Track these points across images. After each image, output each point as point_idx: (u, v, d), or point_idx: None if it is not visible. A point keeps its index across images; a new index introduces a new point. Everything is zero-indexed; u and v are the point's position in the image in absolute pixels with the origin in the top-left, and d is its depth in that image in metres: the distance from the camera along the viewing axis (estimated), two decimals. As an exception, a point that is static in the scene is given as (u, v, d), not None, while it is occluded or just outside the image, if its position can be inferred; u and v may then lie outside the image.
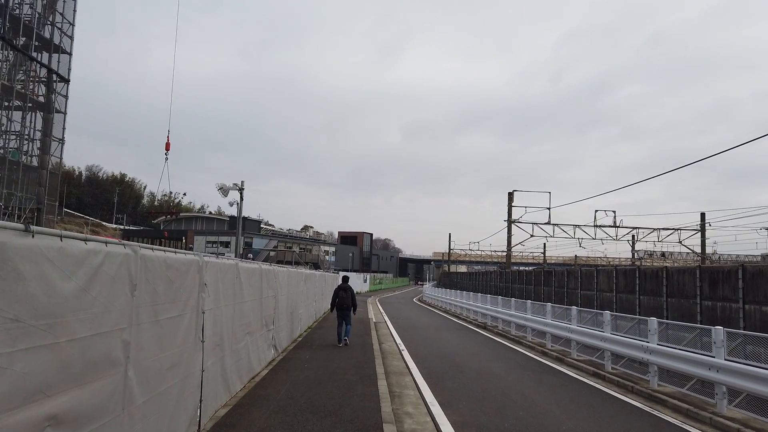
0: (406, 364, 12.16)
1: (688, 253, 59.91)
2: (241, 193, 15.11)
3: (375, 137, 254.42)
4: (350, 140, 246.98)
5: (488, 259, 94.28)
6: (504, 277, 38.16)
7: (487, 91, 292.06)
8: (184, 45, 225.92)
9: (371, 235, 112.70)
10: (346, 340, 14.15)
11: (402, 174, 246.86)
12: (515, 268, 57.26)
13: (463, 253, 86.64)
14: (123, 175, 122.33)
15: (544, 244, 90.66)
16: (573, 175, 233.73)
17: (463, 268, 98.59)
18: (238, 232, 14.85)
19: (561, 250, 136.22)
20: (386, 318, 26.20)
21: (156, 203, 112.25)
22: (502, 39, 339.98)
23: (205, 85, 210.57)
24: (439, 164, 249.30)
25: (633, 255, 54.67)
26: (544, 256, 75.20)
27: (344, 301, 14.30)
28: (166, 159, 22.89)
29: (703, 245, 45.05)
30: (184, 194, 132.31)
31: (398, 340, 16.81)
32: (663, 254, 66.56)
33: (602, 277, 21.94)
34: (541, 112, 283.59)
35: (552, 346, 15.85)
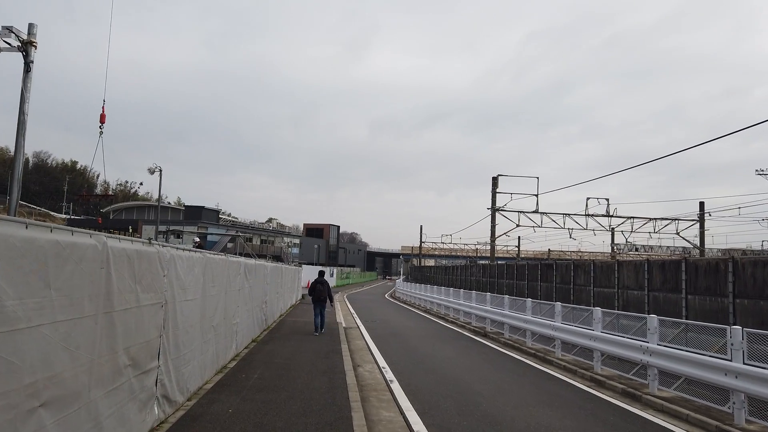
0: (406, 420, 7.07)
1: (668, 247, 56.41)
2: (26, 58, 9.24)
3: (341, 132, 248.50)
4: (316, 134, 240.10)
5: (461, 253, 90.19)
6: (488, 271, 33.42)
7: (451, 88, 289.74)
8: (146, 35, 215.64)
9: (338, 227, 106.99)
10: (321, 331, 15.16)
11: (368, 168, 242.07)
12: (482, 262, 52.76)
13: (433, 246, 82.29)
14: (74, 163, 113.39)
15: (519, 237, 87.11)
16: (535, 171, 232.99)
17: (431, 262, 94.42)
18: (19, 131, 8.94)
19: (534, 244, 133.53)
20: (359, 321, 21.06)
21: (111, 192, 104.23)
22: (466, 38, 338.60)
23: (168, 75, 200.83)
24: (405, 159, 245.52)
25: (612, 249, 50.85)
26: (519, 249, 71.57)
27: (321, 293, 15.34)
28: (101, 133, 18.18)
29: (701, 236, 41.37)
30: (141, 183, 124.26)
31: (381, 361, 11.70)
32: (636, 248, 62.84)
33: (627, 272, 17.33)
34: (503, 110, 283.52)
35: (602, 368, 11.04)
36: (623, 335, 10.51)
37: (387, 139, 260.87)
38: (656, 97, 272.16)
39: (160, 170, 25.53)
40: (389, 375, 10.08)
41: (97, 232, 4.25)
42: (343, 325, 18.66)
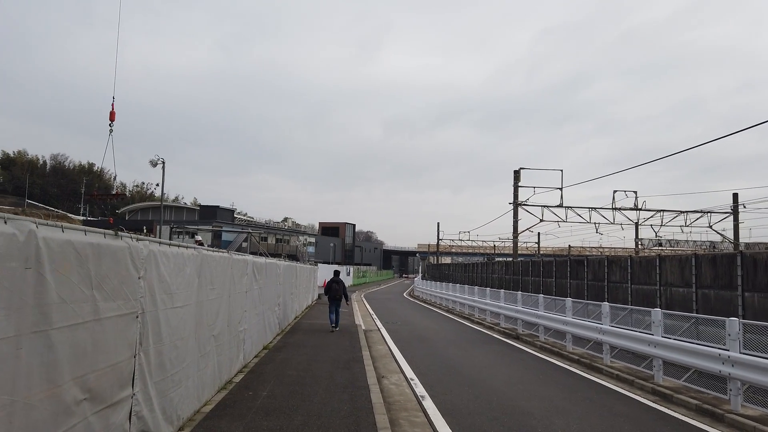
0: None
1: (695, 241, 54.17)
2: None
3: (355, 131, 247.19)
4: (330, 135, 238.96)
5: (478, 250, 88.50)
6: (511, 268, 31.88)
7: (464, 86, 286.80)
8: (163, 39, 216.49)
9: (354, 226, 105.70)
10: (336, 327, 15.51)
11: (382, 167, 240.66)
12: (500, 259, 50.87)
13: (450, 244, 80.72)
14: (91, 165, 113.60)
15: (539, 233, 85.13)
16: (550, 168, 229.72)
17: (447, 260, 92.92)
18: None
19: (554, 240, 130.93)
20: (379, 323, 19.72)
21: (128, 194, 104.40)
22: (478, 36, 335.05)
23: (184, 78, 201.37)
24: (419, 158, 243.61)
25: (636, 244, 48.84)
26: (539, 245, 69.85)
27: (336, 292, 15.72)
28: (111, 131, 17.34)
29: (735, 229, 39.29)
30: (157, 185, 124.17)
31: (408, 371, 10.32)
32: (661, 243, 60.10)
33: (671, 267, 15.79)
34: (517, 108, 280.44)
35: (664, 379, 9.56)
36: (698, 342, 8.99)
37: (401, 138, 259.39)
38: (672, 92, 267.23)
39: (163, 162, 24.38)
40: (420, 389, 8.70)
41: (17, 217, 2.93)
42: (363, 327, 17.34)
